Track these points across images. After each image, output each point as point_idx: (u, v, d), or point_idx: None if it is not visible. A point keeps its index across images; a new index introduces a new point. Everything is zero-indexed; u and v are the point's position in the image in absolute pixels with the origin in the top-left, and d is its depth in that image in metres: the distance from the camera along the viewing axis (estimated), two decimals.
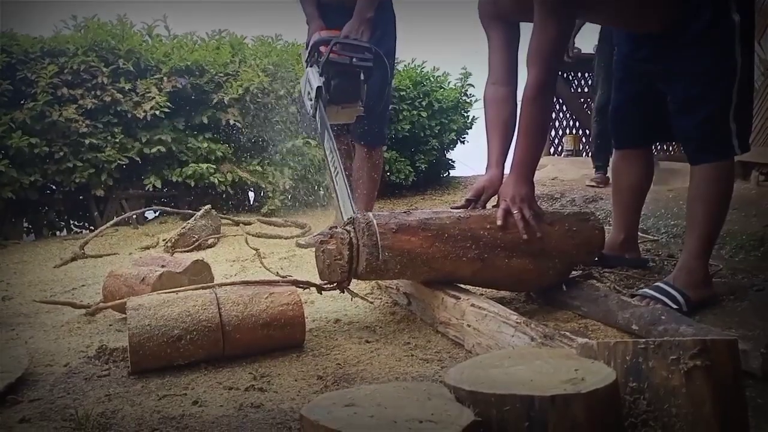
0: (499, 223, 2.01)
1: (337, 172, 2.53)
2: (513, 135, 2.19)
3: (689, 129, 2.08)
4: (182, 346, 1.70)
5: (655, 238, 3.15)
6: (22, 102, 3.85)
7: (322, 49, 2.62)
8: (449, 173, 5.59)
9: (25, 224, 4.15)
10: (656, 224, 3.57)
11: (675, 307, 1.94)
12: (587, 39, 7.96)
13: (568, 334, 1.55)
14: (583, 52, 8.22)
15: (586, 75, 8.16)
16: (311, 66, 2.69)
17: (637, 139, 2.39)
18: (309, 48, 2.72)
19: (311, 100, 2.64)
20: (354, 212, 2.68)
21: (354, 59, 2.60)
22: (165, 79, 4.07)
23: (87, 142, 3.82)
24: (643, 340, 1.11)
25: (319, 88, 2.62)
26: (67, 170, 3.83)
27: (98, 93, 3.90)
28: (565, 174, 5.76)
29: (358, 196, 3.13)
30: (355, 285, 2.45)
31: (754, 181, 4.39)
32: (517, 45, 2.24)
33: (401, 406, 1.01)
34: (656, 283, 2.08)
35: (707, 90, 2.02)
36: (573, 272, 2.22)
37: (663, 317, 1.82)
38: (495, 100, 2.23)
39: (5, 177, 3.62)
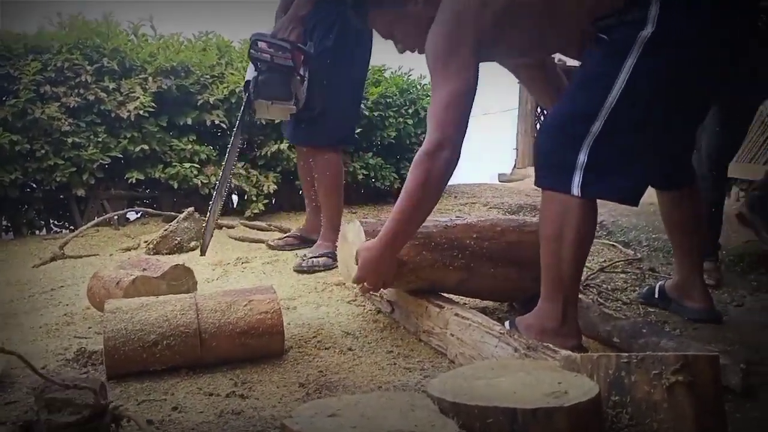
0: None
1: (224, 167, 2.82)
2: None
3: None
4: (158, 351, 1.68)
5: (638, 256, 3.18)
6: (4, 99, 3.78)
7: (258, 46, 2.72)
8: None
9: (4, 222, 4.08)
10: (638, 237, 3.61)
11: None
12: None
13: (551, 345, 1.55)
14: (568, 65, 8.26)
15: None
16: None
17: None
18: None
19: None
20: (208, 221, 2.88)
21: (274, 58, 2.66)
22: (150, 79, 4.03)
23: (69, 140, 3.77)
24: (626, 354, 1.12)
25: (247, 82, 2.72)
26: (48, 168, 3.77)
27: (82, 91, 3.85)
28: None
29: (314, 205, 3.17)
30: (339, 291, 2.46)
31: (734, 197, 4.46)
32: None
33: (384, 416, 1.00)
34: None
35: None
36: None
37: (644, 330, 1.84)
38: None
39: None
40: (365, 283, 1.91)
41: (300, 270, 2.80)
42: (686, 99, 1.68)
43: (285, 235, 3.43)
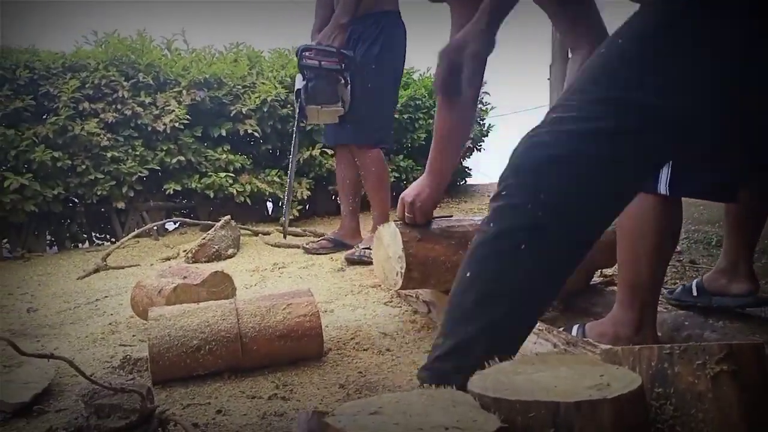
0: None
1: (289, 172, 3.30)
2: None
3: None
4: (201, 356, 1.71)
5: (678, 248, 3.11)
6: (44, 116, 3.91)
7: (305, 54, 2.92)
8: (465, 181, 5.60)
9: (48, 237, 4.20)
10: None
11: None
12: None
13: (590, 340, 1.54)
14: None
15: None
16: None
17: None
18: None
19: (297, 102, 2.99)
20: (285, 215, 3.47)
21: (322, 62, 2.88)
22: (184, 92, 4.12)
23: (108, 155, 3.88)
24: (669, 345, 1.10)
25: (298, 90, 2.94)
26: (89, 183, 3.88)
27: (119, 107, 3.96)
28: None
29: (351, 209, 3.32)
30: (375, 293, 2.47)
31: None
32: None
33: (427, 413, 1.00)
34: None
35: None
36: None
37: (686, 323, 1.81)
38: None
39: (29, 190, 3.68)
40: (406, 213, 1.91)
41: (351, 259, 2.95)
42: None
43: (320, 238, 3.47)
